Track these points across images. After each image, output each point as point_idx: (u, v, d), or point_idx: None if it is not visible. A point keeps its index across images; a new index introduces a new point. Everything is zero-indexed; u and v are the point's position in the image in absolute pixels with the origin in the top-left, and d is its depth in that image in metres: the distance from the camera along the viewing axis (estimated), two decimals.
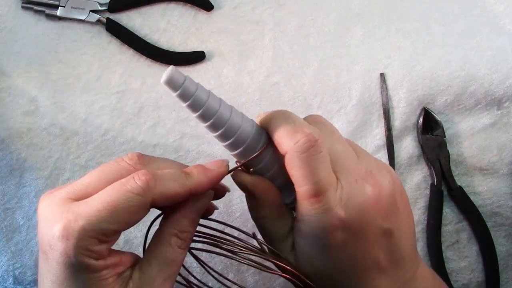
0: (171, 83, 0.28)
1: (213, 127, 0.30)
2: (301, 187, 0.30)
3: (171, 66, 0.28)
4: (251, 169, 0.32)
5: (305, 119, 0.34)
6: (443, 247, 0.51)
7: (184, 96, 0.28)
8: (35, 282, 0.49)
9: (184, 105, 0.29)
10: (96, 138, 0.51)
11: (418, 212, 0.52)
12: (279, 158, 0.32)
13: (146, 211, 0.29)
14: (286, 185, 0.33)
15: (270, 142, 0.32)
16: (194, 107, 0.29)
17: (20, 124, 0.51)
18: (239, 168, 0.33)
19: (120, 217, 0.28)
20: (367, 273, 0.32)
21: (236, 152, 0.31)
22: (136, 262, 0.31)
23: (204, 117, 0.30)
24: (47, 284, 0.29)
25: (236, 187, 0.34)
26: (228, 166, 0.32)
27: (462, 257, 0.52)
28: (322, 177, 0.30)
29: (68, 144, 0.51)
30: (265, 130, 0.33)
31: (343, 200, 0.30)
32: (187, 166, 0.32)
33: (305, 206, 0.31)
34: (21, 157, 0.51)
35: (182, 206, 0.31)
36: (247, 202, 0.35)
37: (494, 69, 0.53)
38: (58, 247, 0.27)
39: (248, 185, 0.33)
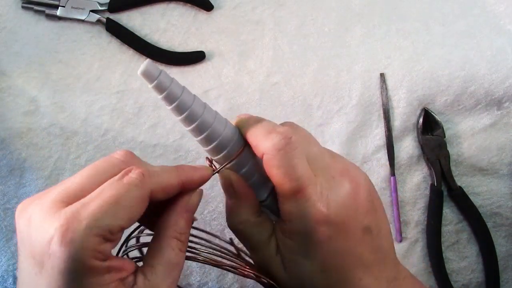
0: (147, 75, 0.29)
1: (186, 122, 0.31)
2: (283, 186, 0.31)
3: (147, 59, 0.30)
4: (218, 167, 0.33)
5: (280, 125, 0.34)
6: (443, 248, 0.51)
7: (159, 88, 0.30)
8: None
9: (160, 97, 0.30)
10: (96, 138, 0.51)
11: (418, 212, 0.52)
12: (252, 157, 0.33)
13: (146, 203, 0.29)
14: (258, 185, 0.34)
15: (244, 141, 0.33)
16: (168, 99, 0.30)
17: (20, 124, 0.51)
18: (210, 165, 0.33)
19: (124, 211, 0.27)
20: (354, 273, 0.32)
21: (208, 147, 0.32)
22: (136, 269, 0.30)
23: (178, 111, 0.31)
24: None
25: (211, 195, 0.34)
26: (213, 170, 0.33)
27: (462, 257, 0.52)
28: (302, 173, 0.30)
29: (68, 144, 0.51)
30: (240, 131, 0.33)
31: (323, 195, 0.31)
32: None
33: (289, 204, 0.31)
34: (21, 157, 0.51)
35: (177, 207, 0.31)
36: (228, 204, 0.35)
37: (494, 69, 0.52)
38: (60, 253, 0.25)
39: (234, 183, 0.33)
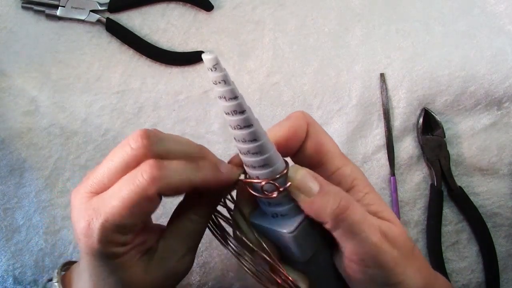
0: (216, 64, 0.25)
1: (245, 121, 0.27)
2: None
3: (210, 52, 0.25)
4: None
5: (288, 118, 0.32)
6: (443, 248, 0.51)
7: (227, 79, 0.26)
8: (35, 282, 0.49)
9: (226, 88, 0.26)
10: (96, 138, 0.51)
11: (418, 212, 0.52)
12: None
13: (157, 201, 0.30)
14: (290, 214, 0.31)
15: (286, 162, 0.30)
16: (233, 93, 0.26)
17: (20, 124, 0.51)
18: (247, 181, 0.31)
19: (134, 211, 0.29)
20: None
21: (257, 159, 0.28)
22: (162, 233, 0.33)
23: (239, 108, 0.27)
24: (82, 265, 0.33)
25: None
26: (239, 176, 0.31)
27: (462, 257, 0.52)
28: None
29: (68, 144, 0.51)
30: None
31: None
32: (199, 146, 0.32)
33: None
34: (21, 157, 0.51)
35: (203, 195, 0.32)
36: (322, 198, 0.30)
37: (494, 69, 0.52)
38: (84, 241, 0.30)
39: (315, 174, 0.30)
